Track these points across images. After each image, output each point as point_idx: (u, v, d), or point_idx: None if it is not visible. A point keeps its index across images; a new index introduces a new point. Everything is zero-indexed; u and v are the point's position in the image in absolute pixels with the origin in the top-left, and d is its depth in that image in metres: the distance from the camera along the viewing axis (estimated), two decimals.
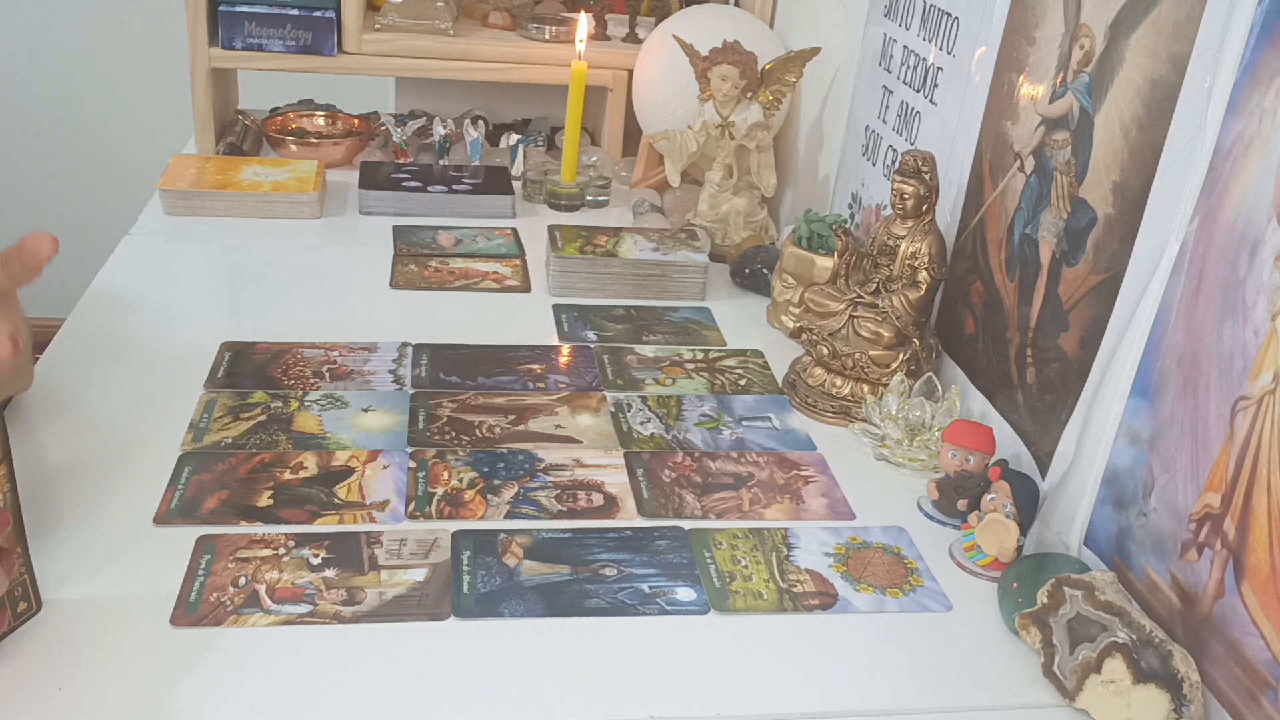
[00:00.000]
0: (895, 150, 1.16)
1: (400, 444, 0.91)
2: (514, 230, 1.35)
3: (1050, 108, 0.87)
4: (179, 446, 0.88)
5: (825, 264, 1.10)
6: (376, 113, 1.64)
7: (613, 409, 0.99)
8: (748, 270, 1.24)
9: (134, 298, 1.11)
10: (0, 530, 0.64)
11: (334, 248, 1.28)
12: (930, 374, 0.98)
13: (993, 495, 0.82)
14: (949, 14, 1.04)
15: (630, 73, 1.50)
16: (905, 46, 1.13)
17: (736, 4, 1.57)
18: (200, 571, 0.75)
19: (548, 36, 1.52)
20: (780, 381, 1.07)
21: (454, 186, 1.39)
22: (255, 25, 1.43)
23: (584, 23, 1.38)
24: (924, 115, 1.09)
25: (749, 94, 1.26)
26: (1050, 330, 0.86)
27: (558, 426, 0.96)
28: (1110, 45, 0.80)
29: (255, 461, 0.87)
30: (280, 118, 1.57)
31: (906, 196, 0.98)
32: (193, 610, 0.71)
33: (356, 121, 1.58)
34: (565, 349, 1.09)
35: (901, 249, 0.99)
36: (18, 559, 0.66)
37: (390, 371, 1.01)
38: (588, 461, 0.91)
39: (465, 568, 0.78)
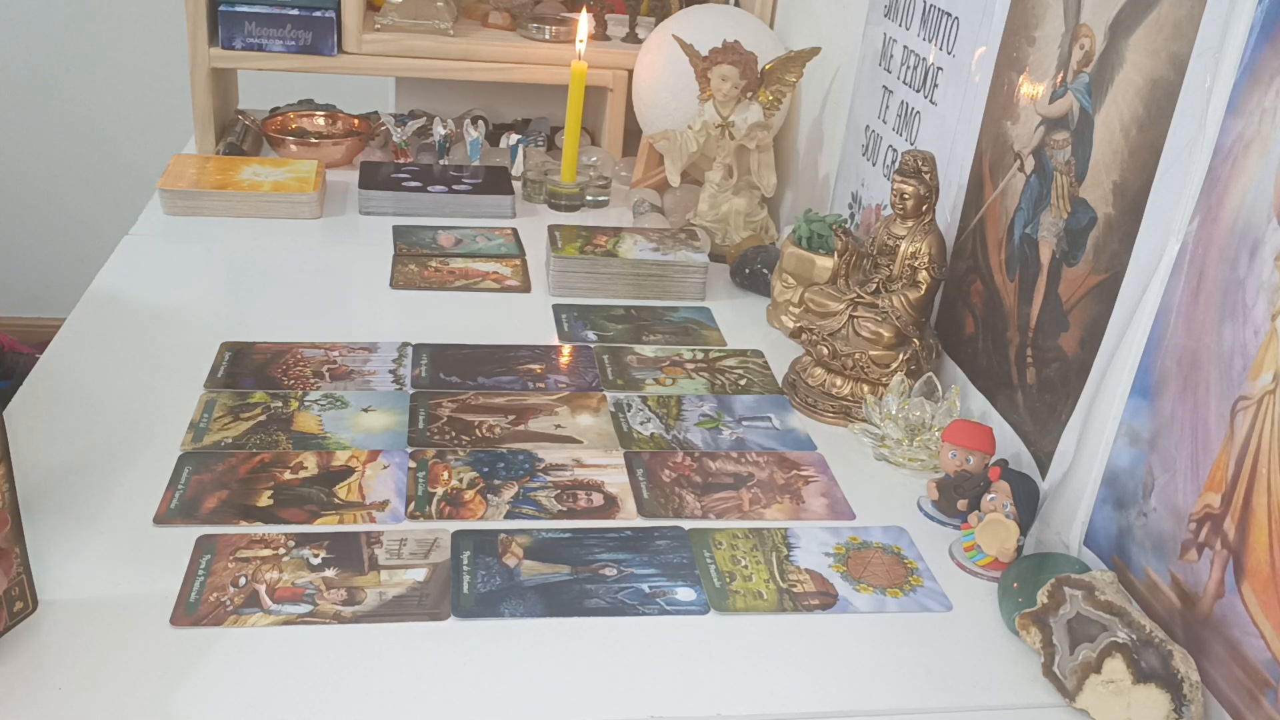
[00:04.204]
0: (895, 150, 1.16)
1: (400, 444, 0.91)
2: (514, 230, 1.35)
3: (1050, 108, 0.87)
4: (179, 446, 0.88)
5: (825, 264, 1.10)
6: (376, 113, 1.64)
7: (613, 409, 0.99)
8: (748, 270, 1.24)
9: (134, 298, 1.11)
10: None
11: (334, 248, 1.28)
12: (930, 374, 0.98)
13: (993, 495, 0.82)
14: (949, 14, 1.04)
15: (630, 73, 1.50)
16: (905, 46, 1.13)
17: (736, 4, 1.57)
18: (200, 571, 0.75)
19: (548, 36, 1.53)
20: (780, 381, 1.07)
21: (454, 186, 1.39)
22: (255, 25, 1.43)
23: (584, 22, 1.38)
24: (924, 115, 1.10)
25: (749, 94, 1.26)
26: (1050, 330, 0.86)
27: (558, 426, 0.96)
28: (1110, 45, 0.80)
29: (255, 461, 0.87)
30: (280, 118, 1.57)
31: (906, 196, 0.98)
32: (193, 610, 0.71)
33: (356, 121, 1.58)
34: (565, 349, 1.09)
35: (901, 249, 0.99)
36: (15, 559, 0.66)
37: (390, 371, 1.01)
38: (588, 461, 0.91)
39: (465, 568, 0.78)
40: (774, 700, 0.69)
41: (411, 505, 0.84)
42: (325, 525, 0.81)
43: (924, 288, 0.99)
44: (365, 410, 0.95)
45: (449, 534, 0.81)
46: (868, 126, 1.23)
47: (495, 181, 1.42)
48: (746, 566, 0.81)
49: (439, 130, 1.49)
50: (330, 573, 0.76)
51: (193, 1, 1.39)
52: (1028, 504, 0.82)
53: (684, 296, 1.22)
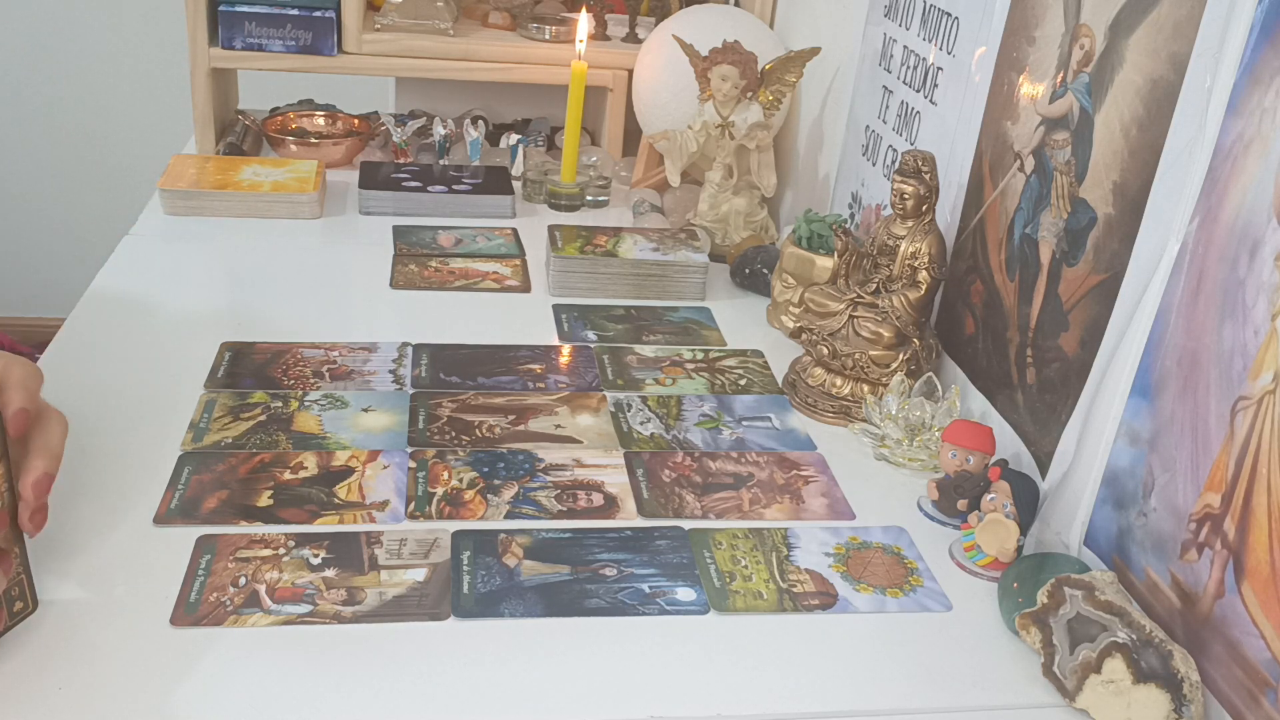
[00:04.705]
0: (895, 150, 1.16)
1: (400, 444, 0.91)
2: (514, 230, 1.35)
3: (1050, 108, 0.87)
4: (179, 446, 0.88)
5: (825, 264, 1.10)
6: (376, 113, 1.64)
7: (613, 409, 0.99)
8: (748, 270, 1.24)
9: (134, 298, 1.11)
10: None
11: (334, 248, 1.28)
12: (930, 374, 0.98)
13: (993, 495, 0.82)
14: (949, 14, 1.04)
15: (630, 73, 1.50)
16: (905, 46, 1.13)
17: (736, 4, 1.57)
18: (200, 571, 0.75)
19: (548, 36, 1.53)
20: (780, 381, 1.07)
21: (454, 186, 1.39)
22: (255, 25, 1.43)
23: (584, 22, 1.38)
24: (924, 115, 1.10)
25: (749, 94, 1.26)
26: (1050, 330, 0.86)
27: (558, 426, 0.96)
28: (1110, 45, 0.80)
29: (255, 461, 0.87)
30: (280, 118, 1.57)
31: (906, 196, 0.98)
32: (193, 610, 0.71)
33: (356, 121, 1.58)
34: (565, 349, 1.09)
35: (901, 249, 0.99)
36: (15, 559, 0.66)
37: (390, 371, 1.01)
38: (588, 461, 0.91)
39: (465, 568, 0.78)
40: (774, 700, 0.69)
41: (411, 505, 0.84)
42: (325, 525, 0.81)
43: (924, 288, 0.99)
44: (365, 410, 0.95)
45: (449, 534, 0.81)
46: (868, 126, 1.23)
47: (495, 181, 1.42)
48: (746, 566, 0.81)
49: (439, 130, 1.49)
50: (330, 573, 0.76)
51: (193, 1, 1.39)
52: (1028, 504, 0.82)
53: (684, 296, 1.22)
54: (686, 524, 0.85)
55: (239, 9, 1.42)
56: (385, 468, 0.88)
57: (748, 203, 1.31)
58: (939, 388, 0.97)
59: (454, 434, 0.93)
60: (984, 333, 0.97)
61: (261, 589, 0.74)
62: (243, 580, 0.75)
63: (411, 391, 0.99)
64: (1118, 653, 0.68)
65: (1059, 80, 0.86)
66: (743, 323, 1.18)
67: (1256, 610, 0.63)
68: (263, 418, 0.93)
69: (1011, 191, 0.93)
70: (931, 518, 0.88)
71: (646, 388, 1.03)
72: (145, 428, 0.90)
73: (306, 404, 0.95)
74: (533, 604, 0.75)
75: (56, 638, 0.68)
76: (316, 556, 0.78)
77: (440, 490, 0.86)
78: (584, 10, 1.43)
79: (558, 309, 1.18)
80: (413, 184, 1.39)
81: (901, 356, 0.99)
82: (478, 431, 0.94)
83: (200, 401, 0.94)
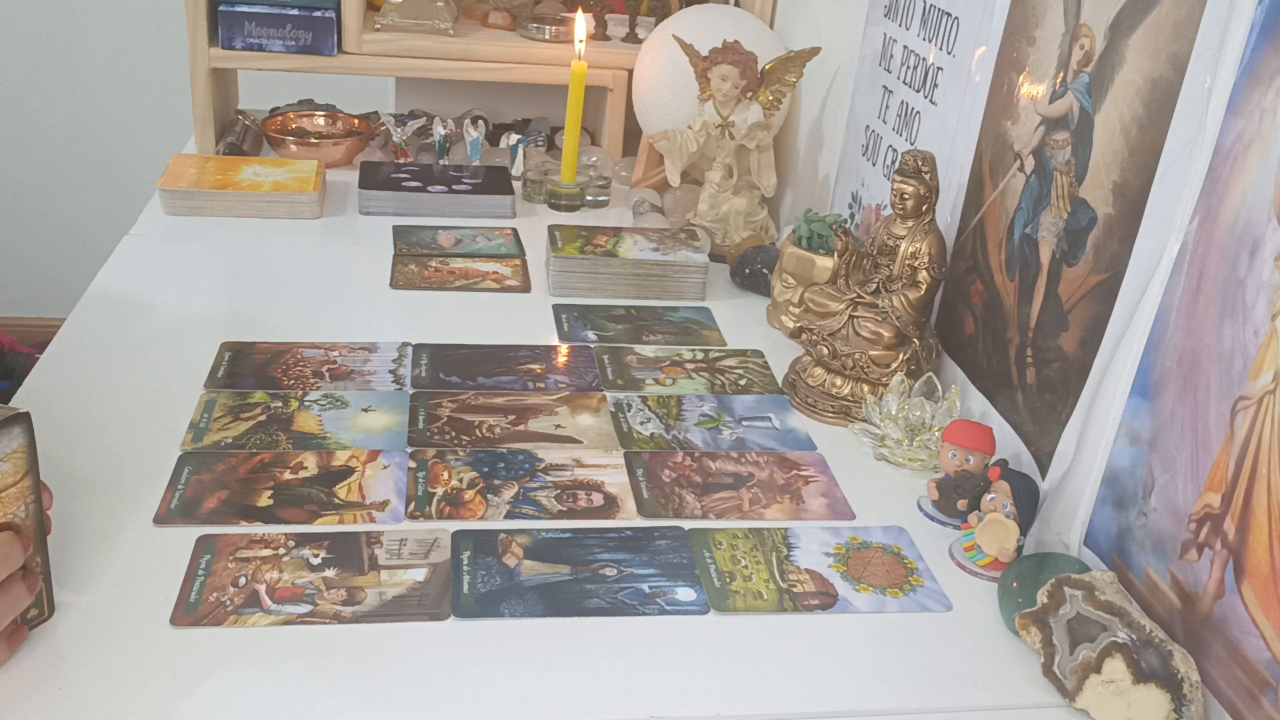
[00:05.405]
0: (895, 150, 1.16)
1: (400, 444, 0.91)
2: (514, 230, 1.35)
3: (1050, 108, 0.88)
4: (179, 446, 0.88)
5: (825, 264, 1.10)
6: (376, 113, 1.64)
7: (613, 409, 0.99)
8: (748, 270, 1.24)
9: (134, 298, 1.11)
10: (25, 550, 0.64)
11: (334, 248, 1.28)
12: (930, 374, 0.98)
13: (993, 495, 0.82)
14: (949, 14, 1.04)
15: (630, 73, 1.50)
16: (905, 46, 1.13)
17: (736, 4, 1.57)
18: (200, 571, 0.75)
19: (548, 36, 1.53)
20: (780, 381, 1.07)
21: (454, 186, 1.39)
22: (255, 25, 1.43)
23: (581, 23, 1.38)
24: (924, 115, 1.10)
25: (749, 94, 1.26)
26: (1050, 330, 0.86)
27: (558, 426, 0.96)
28: (1110, 45, 0.80)
29: (255, 461, 0.87)
30: (280, 118, 1.57)
31: (906, 196, 0.98)
32: (193, 610, 0.71)
33: (356, 121, 1.58)
34: (565, 349, 1.09)
35: (901, 249, 0.99)
36: (37, 568, 0.66)
37: (390, 371, 1.01)
38: (588, 461, 0.91)
39: (465, 568, 0.78)
40: (774, 700, 0.69)
41: (411, 505, 0.84)
42: (325, 525, 0.81)
43: (924, 288, 0.99)
44: (365, 410, 0.95)
45: (449, 534, 0.81)
46: (868, 126, 1.23)
47: (495, 181, 1.42)
48: (746, 566, 0.81)
49: (439, 130, 1.49)
50: (330, 573, 0.76)
51: (193, 1, 1.39)
52: (1028, 504, 0.82)
53: (684, 296, 1.22)
54: (686, 524, 0.85)
55: (239, 9, 1.42)
56: (385, 468, 0.88)
57: (748, 203, 1.31)
58: (939, 388, 0.97)
59: (454, 434, 0.93)
60: (984, 333, 0.97)
61: (261, 589, 0.74)
62: (243, 580, 0.75)
63: (411, 391, 0.99)
64: (1118, 653, 0.68)
65: (1059, 80, 0.86)
66: (743, 323, 1.18)
67: (1256, 610, 0.63)
68: (263, 418, 0.93)
69: (1011, 191, 0.93)
70: (931, 518, 0.88)
71: (646, 388, 1.03)
72: (145, 428, 0.90)
73: (306, 404, 0.95)
74: (533, 604, 0.75)
75: (57, 638, 0.68)
76: (316, 556, 0.78)
77: (440, 490, 0.86)
78: (580, 11, 1.43)
79: (558, 309, 1.18)
80: (413, 184, 1.39)
81: (901, 356, 0.99)
82: (478, 431, 0.94)
83: (200, 401, 0.94)
